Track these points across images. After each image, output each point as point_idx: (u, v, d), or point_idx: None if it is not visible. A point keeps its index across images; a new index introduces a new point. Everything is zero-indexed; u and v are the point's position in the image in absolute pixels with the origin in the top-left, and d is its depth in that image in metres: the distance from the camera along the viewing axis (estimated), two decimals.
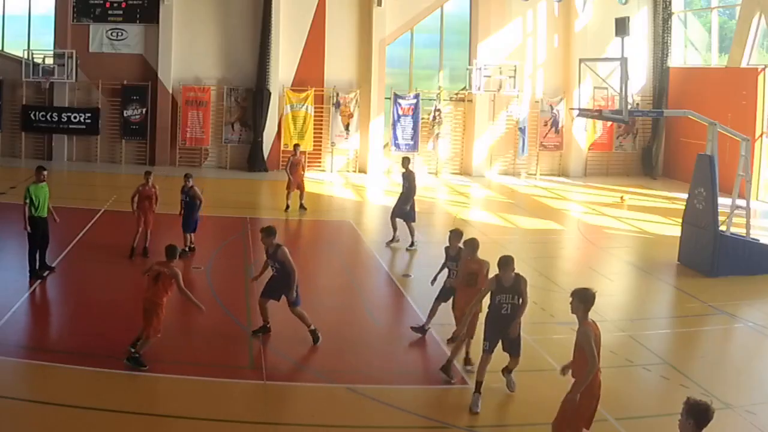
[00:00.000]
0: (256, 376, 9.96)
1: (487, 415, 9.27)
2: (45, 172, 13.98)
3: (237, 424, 8.65)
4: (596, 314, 12.84)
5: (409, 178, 17.25)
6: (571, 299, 7.88)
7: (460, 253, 11.05)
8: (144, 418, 8.64)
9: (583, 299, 7.83)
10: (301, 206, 20.36)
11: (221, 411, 8.91)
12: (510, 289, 9.30)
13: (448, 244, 11.51)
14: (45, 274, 13.60)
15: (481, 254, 10.53)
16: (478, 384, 9.27)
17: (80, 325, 11.59)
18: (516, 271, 9.38)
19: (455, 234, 11.46)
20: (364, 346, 11.54)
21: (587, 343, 7.59)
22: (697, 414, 5.76)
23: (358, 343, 11.69)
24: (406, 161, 17.66)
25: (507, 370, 9.79)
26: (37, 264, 13.60)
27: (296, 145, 21.50)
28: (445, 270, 11.59)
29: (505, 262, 9.31)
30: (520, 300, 9.35)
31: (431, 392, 9.91)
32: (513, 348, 9.60)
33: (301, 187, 20.28)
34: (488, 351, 9.39)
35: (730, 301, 13.92)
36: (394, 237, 17.18)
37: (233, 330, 11.80)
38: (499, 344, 9.51)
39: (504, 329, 9.36)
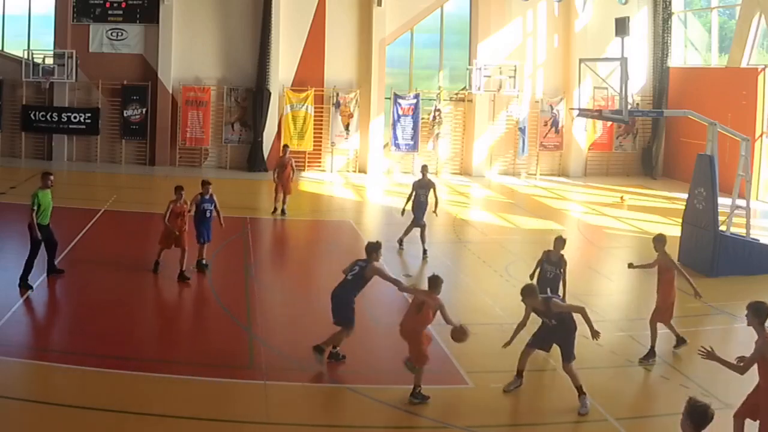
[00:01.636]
0: (256, 376, 9.96)
1: (487, 415, 9.28)
2: (52, 178, 13.60)
3: (237, 424, 8.65)
4: (596, 314, 12.89)
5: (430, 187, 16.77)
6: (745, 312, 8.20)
7: (563, 259, 11.74)
8: (144, 418, 8.63)
9: (756, 313, 8.19)
10: (282, 210, 19.75)
11: (221, 411, 8.91)
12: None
13: (551, 248, 11.96)
14: (56, 274, 13.60)
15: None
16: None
17: (80, 325, 11.59)
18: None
19: (560, 241, 11.93)
20: (364, 346, 11.54)
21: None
22: (695, 415, 5.75)
23: (358, 343, 11.68)
24: (425, 169, 17.37)
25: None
26: (47, 269, 13.52)
27: (284, 146, 21.22)
28: (538, 270, 12.04)
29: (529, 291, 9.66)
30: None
31: (431, 392, 9.90)
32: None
33: (285, 189, 19.68)
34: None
35: (730, 301, 13.90)
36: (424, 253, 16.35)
37: (233, 330, 11.80)
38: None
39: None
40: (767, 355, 7.81)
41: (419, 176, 17.24)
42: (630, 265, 12.25)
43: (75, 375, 9.61)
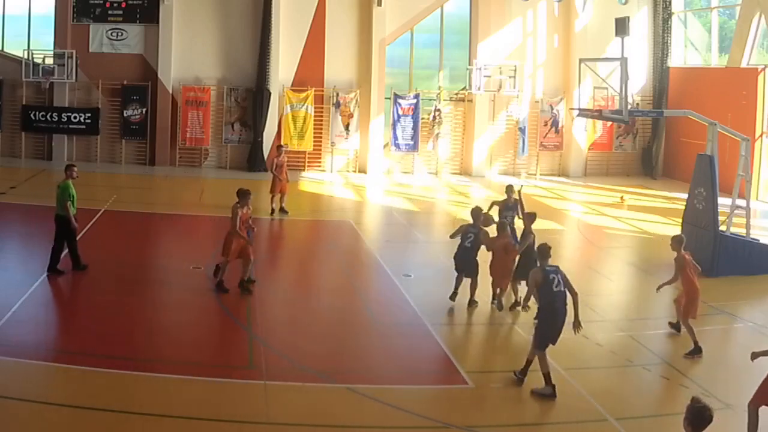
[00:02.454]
0: (256, 376, 9.96)
1: (487, 415, 9.28)
2: (76, 169, 13.79)
3: (237, 424, 8.65)
4: (596, 314, 12.92)
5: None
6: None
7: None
8: (144, 418, 8.63)
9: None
10: (281, 209, 19.75)
11: (221, 411, 8.91)
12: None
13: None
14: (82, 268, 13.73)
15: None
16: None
17: (80, 325, 11.59)
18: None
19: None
20: (364, 346, 11.54)
21: None
22: (694, 416, 5.72)
23: (358, 343, 11.69)
24: (509, 189, 15.04)
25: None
26: (72, 262, 13.68)
27: (279, 146, 21.06)
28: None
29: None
30: None
31: (431, 392, 9.91)
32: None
33: (282, 189, 19.62)
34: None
35: (730, 301, 13.92)
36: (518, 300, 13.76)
37: (233, 330, 11.79)
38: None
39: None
40: None
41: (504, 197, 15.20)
42: (658, 289, 12.08)
43: (75, 375, 9.60)
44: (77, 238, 13.94)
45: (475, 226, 13.07)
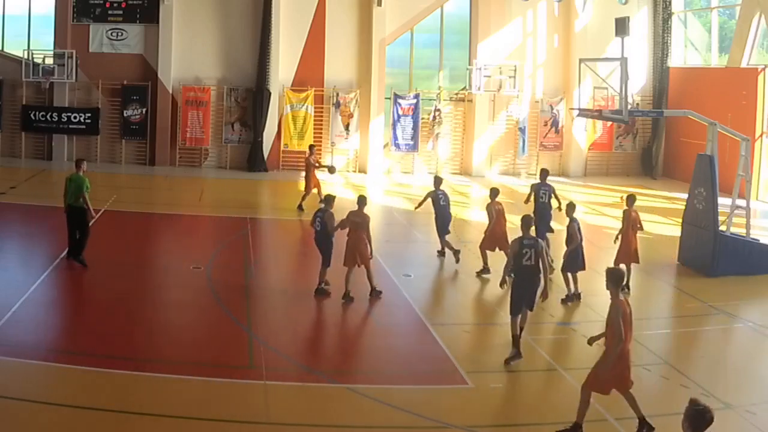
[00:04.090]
0: (256, 376, 9.96)
1: (487, 415, 9.28)
2: (85, 163, 14.54)
3: (237, 424, 8.65)
4: (596, 314, 12.91)
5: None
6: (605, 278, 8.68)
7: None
8: (144, 418, 8.63)
9: (612, 279, 8.79)
10: (300, 206, 20.26)
11: (221, 411, 8.91)
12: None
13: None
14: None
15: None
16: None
17: (81, 325, 11.59)
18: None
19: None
20: (364, 346, 11.55)
21: (616, 318, 8.47)
22: (694, 418, 5.68)
23: (358, 343, 11.69)
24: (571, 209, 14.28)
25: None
26: (72, 251, 14.16)
27: (311, 146, 21.65)
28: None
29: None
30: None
31: (431, 392, 9.91)
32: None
33: (309, 187, 20.27)
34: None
35: (730, 301, 13.91)
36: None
37: (233, 330, 11.79)
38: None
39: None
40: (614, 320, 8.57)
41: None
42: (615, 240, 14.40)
43: (75, 375, 9.60)
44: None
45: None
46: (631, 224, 13.97)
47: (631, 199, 14.44)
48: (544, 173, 16.46)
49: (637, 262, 14.13)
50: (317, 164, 20.93)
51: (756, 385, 10.54)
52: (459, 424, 8.88)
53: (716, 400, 9.31)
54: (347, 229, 12.96)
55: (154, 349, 10.75)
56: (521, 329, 10.79)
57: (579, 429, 8.55)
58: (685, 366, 10.86)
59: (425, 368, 10.74)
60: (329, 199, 13.31)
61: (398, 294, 13.87)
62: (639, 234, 14.25)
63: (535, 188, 15.93)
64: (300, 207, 20.21)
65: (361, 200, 13.24)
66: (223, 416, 8.80)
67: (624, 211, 14.25)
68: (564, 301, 13.36)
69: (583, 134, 28.36)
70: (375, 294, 13.11)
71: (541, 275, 10.69)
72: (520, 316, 10.69)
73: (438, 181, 16.35)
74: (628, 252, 14.02)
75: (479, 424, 8.95)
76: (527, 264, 10.70)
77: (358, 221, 12.93)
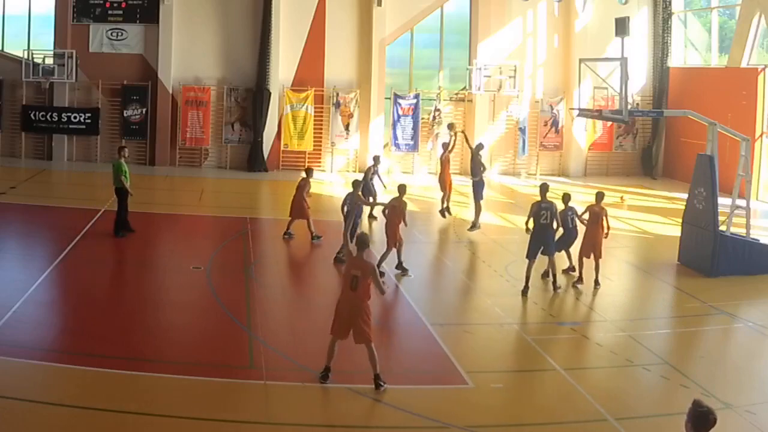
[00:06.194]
0: (256, 376, 9.96)
1: (487, 415, 9.27)
2: (126, 150, 17.00)
3: (237, 424, 8.65)
4: (596, 314, 12.93)
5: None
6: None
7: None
8: (144, 418, 8.63)
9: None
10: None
11: (221, 411, 8.91)
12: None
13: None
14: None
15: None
16: None
17: (80, 325, 11.58)
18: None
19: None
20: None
21: None
22: (698, 420, 5.66)
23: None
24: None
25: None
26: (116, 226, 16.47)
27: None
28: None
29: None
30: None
31: (431, 392, 9.91)
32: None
33: (446, 188, 20.18)
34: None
35: (730, 301, 13.91)
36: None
37: (233, 330, 11.79)
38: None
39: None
40: None
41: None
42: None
43: (75, 375, 9.60)
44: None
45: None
46: (593, 218, 14.55)
47: (599, 195, 14.93)
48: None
49: (600, 257, 14.40)
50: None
51: (756, 385, 10.55)
52: (459, 424, 8.87)
53: (716, 400, 9.30)
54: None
55: (154, 349, 10.74)
56: (554, 275, 13.97)
57: None
58: (685, 366, 10.86)
59: (425, 368, 10.74)
60: (402, 188, 15.18)
61: (398, 294, 13.87)
62: (642, 236, 14.25)
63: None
64: (447, 210, 20.10)
65: (401, 188, 15.13)
66: (223, 416, 8.79)
67: (589, 205, 14.91)
68: (574, 285, 14.43)
69: (583, 134, 28.36)
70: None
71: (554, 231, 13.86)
72: (532, 261, 13.54)
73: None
74: (591, 244, 14.45)
75: (479, 424, 8.94)
76: (544, 222, 13.65)
77: (395, 205, 14.95)
